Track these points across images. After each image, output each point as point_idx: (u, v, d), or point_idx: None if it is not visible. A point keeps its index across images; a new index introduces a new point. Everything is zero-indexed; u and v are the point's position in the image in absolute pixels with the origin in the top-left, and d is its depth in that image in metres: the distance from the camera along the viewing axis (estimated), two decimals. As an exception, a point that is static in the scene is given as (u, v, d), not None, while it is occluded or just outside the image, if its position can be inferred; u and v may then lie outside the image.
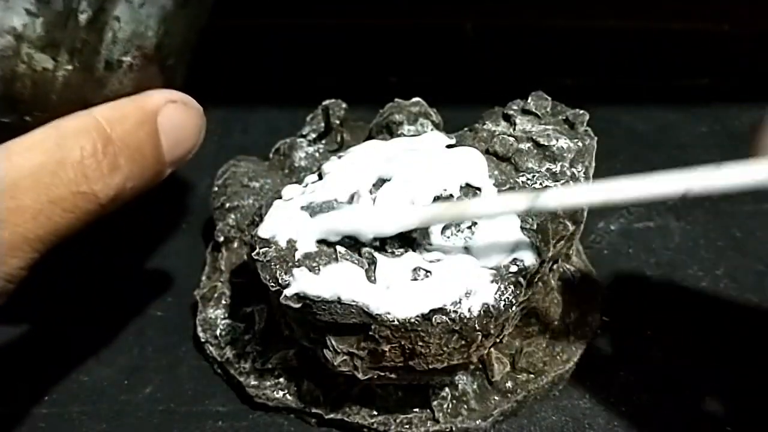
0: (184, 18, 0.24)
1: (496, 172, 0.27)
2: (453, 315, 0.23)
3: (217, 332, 0.31)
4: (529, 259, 0.25)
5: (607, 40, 0.47)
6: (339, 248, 0.25)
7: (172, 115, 0.24)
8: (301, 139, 0.35)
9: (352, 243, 0.25)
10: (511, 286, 0.24)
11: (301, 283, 0.24)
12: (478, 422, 0.28)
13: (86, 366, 0.31)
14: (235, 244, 0.33)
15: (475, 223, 0.26)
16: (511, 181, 0.27)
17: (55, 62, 0.22)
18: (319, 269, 0.24)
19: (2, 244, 0.20)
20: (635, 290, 0.34)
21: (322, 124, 0.35)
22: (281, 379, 0.29)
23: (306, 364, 0.29)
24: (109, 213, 0.23)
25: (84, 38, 0.22)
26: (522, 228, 0.26)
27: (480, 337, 0.24)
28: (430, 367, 0.25)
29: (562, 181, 0.27)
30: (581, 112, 0.29)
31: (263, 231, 0.26)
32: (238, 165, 0.35)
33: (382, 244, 0.25)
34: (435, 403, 0.28)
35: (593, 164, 0.28)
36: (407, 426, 0.28)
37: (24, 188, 0.21)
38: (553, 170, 0.27)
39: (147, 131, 0.23)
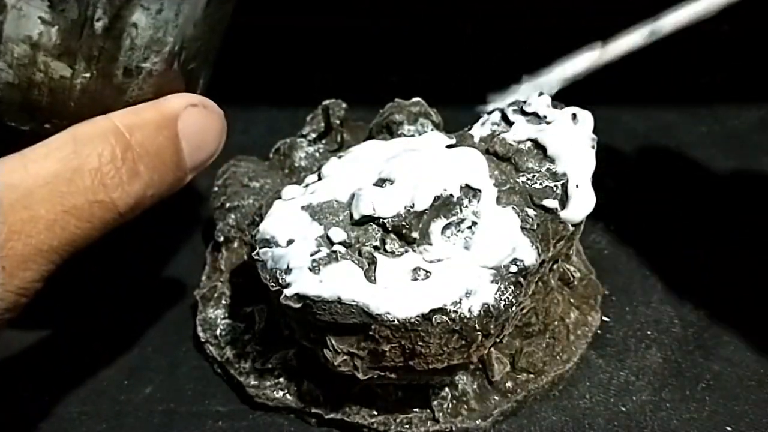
0: (204, 22, 0.23)
1: (496, 172, 0.27)
2: (453, 315, 0.23)
3: (217, 332, 0.31)
4: (529, 259, 0.25)
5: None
6: (339, 248, 0.25)
7: (192, 120, 0.23)
8: (301, 139, 0.35)
9: (351, 243, 0.25)
10: (511, 286, 0.24)
11: (301, 283, 0.24)
12: (478, 422, 0.28)
13: (86, 366, 0.31)
14: (235, 244, 0.33)
15: (475, 223, 0.26)
16: (511, 181, 0.27)
17: (72, 70, 0.21)
18: (319, 269, 0.24)
19: (15, 256, 0.20)
20: (635, 290, 0.34)
21: (322, 124, 0.35)
22: (281, 379, 0.29)
23: (306, 364, 0.29)
24: (128, 222, 0.22)
25: (101, 46, 0.21)
26: (522, 228, 0.26)
27: (480, 337, 0.24)
28: (430, 367, 0.25)
29: (562, 181, 0.27)
30: (582, 112, 0.28)
31: (263, 231, 0.26)
32: (238, 165, 0.35)
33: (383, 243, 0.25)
34: (435, 403, 0.28)
35: (594, 164, 0.28)
36: (407, 426, 0.28)
37: (39, 198, 0.20)
38: (553, 170, 0.27)
39: (167, 136, 0.22)
